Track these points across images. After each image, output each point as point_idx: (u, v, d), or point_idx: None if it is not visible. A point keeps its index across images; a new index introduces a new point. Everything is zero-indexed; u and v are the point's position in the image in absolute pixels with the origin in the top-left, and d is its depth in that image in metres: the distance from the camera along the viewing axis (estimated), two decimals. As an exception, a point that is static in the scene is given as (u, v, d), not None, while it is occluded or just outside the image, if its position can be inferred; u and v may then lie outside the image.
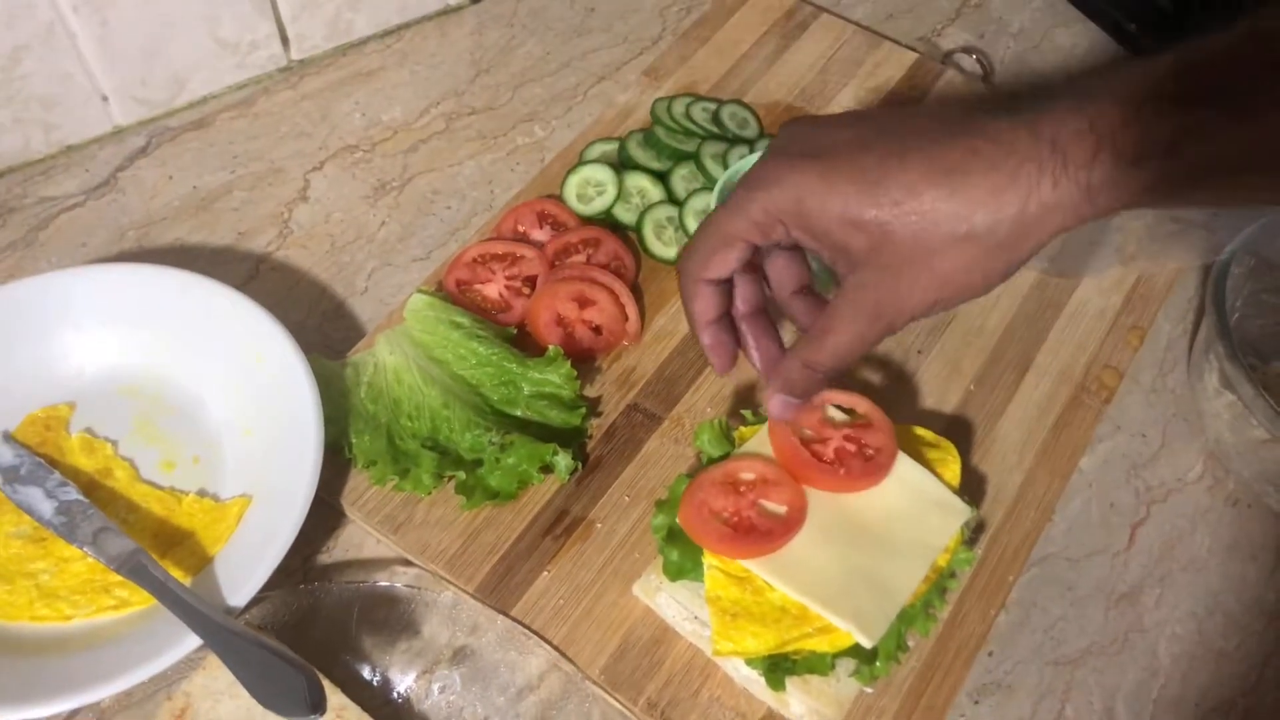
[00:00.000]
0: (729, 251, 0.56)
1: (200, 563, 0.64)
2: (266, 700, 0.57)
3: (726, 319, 0.60)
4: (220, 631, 0.57)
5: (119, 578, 0.61)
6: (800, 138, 0.54)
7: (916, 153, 0.50)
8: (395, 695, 0.62)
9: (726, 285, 0.59)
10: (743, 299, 0.60)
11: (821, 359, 0.55)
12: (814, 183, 0.52)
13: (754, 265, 0.59)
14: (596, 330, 0.74)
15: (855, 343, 0.55)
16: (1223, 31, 0.48)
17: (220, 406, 0.71)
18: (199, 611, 0.58)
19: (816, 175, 0.52)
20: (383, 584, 0.64)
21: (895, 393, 0.74)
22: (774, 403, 0.58)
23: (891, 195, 0.50)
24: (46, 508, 0.64)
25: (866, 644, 0.57)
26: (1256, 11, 0.47)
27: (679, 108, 0.87)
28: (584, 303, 0.74)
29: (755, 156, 0.79)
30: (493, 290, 0.76)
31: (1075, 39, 0.99)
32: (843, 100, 0.90)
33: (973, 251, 0.50)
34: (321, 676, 0.58)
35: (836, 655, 0.59)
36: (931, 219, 0.50)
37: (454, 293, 0.76)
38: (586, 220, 0.80)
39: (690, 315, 0.59)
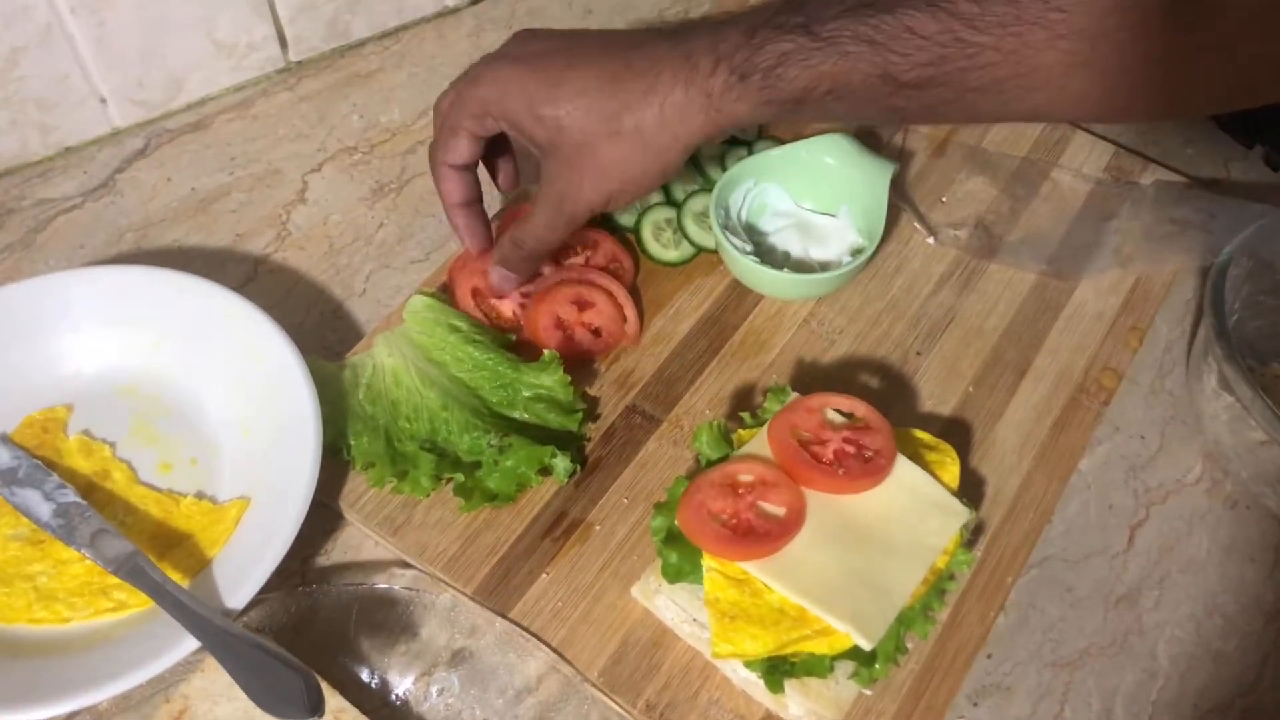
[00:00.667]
0: (458, 139, 0.66)
1: (198, 565, 0.64)
2: (264, 703, 0.57)
3: (477, 205, 0.72)
4: (218, 634, 0.57)
5: (117, 580, 0.61)
6: (519, 43, 0.65)
7: (590, 63, 0.61)
8: (394, 697, 0.62)
9: (472, 174, 0.70)
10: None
11: (524, 237, 0.68)
12: (512, 81, 0.62)
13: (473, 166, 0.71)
14: (596, 332, 0.74)
15: (546, 226, 0.67)
16: None
17: (218, 408, 0.71)
18: (197, 614, 0.58)
19: (515, 76, 0.62)
20: (381, 586, 0.64)
21: (894, 395, 0.74)
22: (493, 274, 0.72)
23: (564, 94, 0.61)
24: (44, 510, 0.64)
25: (865, 646, 0.57)
26: None
27: (677, 109, 0.86)
28: (583, 305, 0.74)
29: (754, 158, 0.80)
30: (507, 308, 0.76)
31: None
32: (841, 102, 0.90)
33: (627, 146, 0.61)
34: (320, 679, 0.58)
35: (835, 658, 0.59)
36: (593, 117, 0.61)
37: (466, 300, 0.76)
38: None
39: (440, 196, 0.70)
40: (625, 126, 0.60)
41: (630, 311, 0.75)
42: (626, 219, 0.81)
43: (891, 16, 0.55)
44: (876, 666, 0.59)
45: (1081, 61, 0.53)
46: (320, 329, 0.78)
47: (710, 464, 0.65)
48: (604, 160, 0.62)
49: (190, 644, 0.58)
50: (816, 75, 0.57)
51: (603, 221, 0.81)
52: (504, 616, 0.64)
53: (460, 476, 0.67)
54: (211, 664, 0.60)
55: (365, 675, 0.62)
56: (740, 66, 0.58)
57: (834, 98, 0.58)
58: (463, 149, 0.67)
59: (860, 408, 0.65)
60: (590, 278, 0.75)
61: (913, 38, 0.54)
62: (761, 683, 0.60)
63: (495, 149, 0.73)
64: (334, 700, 0.59)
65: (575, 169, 0.63)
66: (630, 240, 0.81)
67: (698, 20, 0.63)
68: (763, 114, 0.60)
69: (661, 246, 0.80)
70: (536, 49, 0.64)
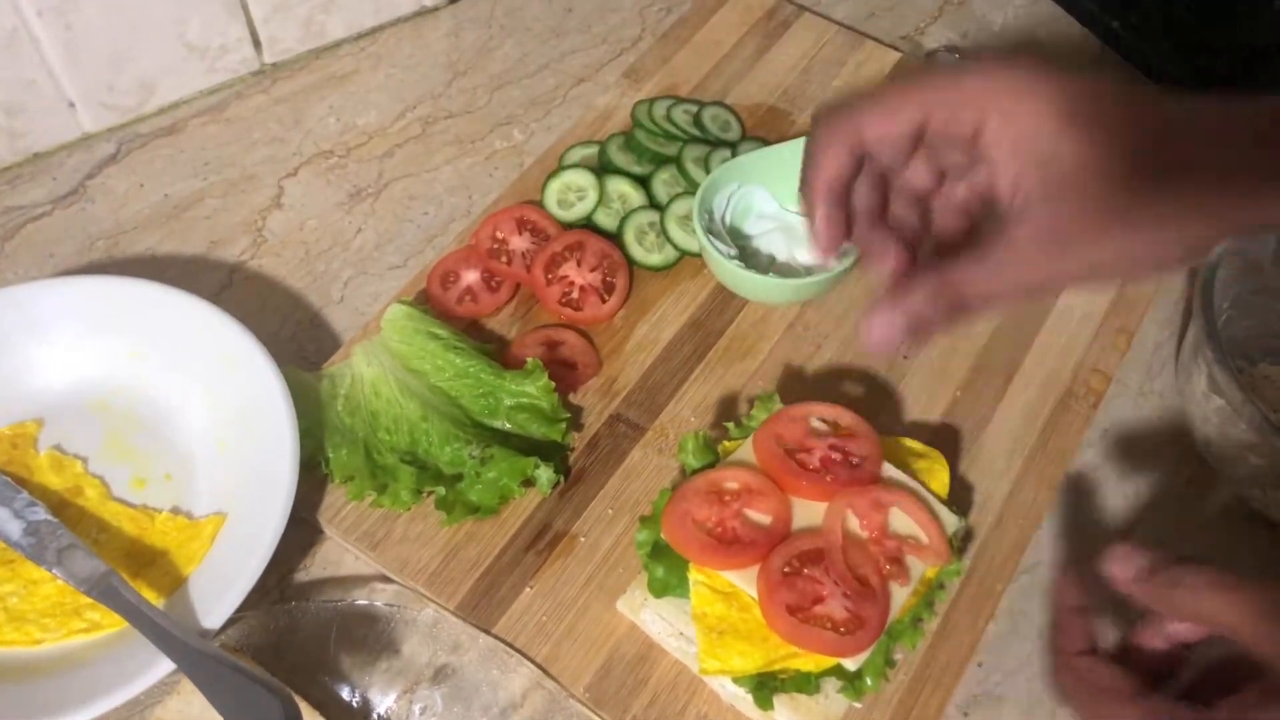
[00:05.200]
0: (900, 115, 0.48)
1: (174, 583, 0.63)
2: (241, 724, 0.55)
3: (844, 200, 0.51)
4: (193, 655, 0.56)
5: (90, 600, 0.60)
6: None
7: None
8: (376, 716, 0.61)
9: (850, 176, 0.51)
10: (867, 199, 0.52)
11: (995, 285, 0.46)
12: (1015, 87, 0.45)
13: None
14: (571, 366, 0.73)
15: (1039, 276, 0.46)
16: None
17: (193, 421, 0.69)
18: (171, 634, 0.56)
19: (1014, 81, 0.46)
20: (362, 602, 0.63)
21: (881, 400, 0.74)
22: (880, 324, 0.47)
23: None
24: (14, 528, 0.62)
25: (850, 666, 0.56)
26: None
27: (660, 110, 0.85)
28: (552, 345, 0.74)
29: (737, 160, 0.78)
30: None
31: (1058, 37, 0.98)
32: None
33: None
34: (299, 699, 0.56)
35: (821, 675, 0.58)
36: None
37: (437, 292, 0.75)
38: (567, 226, 0.79)
39: (814, 173, 0.50)
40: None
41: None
42: (609, 223, 0.79)
43: None
44: (866, 681, 0.58)
45: None
46: (297, 338, 0.76)
47: (695, 474, 0.64)
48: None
49: (165, 666, 0.57)
50: None
51: (585, 225, 0.80)
52: (487, 632, 0.63)
53: (441, 489, 0.66)
54: (188, 686, 0.59)
55: (346, 694, 0.61)
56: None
57: None
58: (895, 126, 0.49)
59: (845, 416, 0.64)
60: (555, 323, 0.76)
61: None
62: (749, 697, 0.59)
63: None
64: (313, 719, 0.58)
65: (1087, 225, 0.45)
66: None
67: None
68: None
69: (645, 250, 0.79)
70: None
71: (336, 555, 0.67)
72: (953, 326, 0.47)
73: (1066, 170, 0.45)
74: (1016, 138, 0.46)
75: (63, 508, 0.65)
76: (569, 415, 0.70)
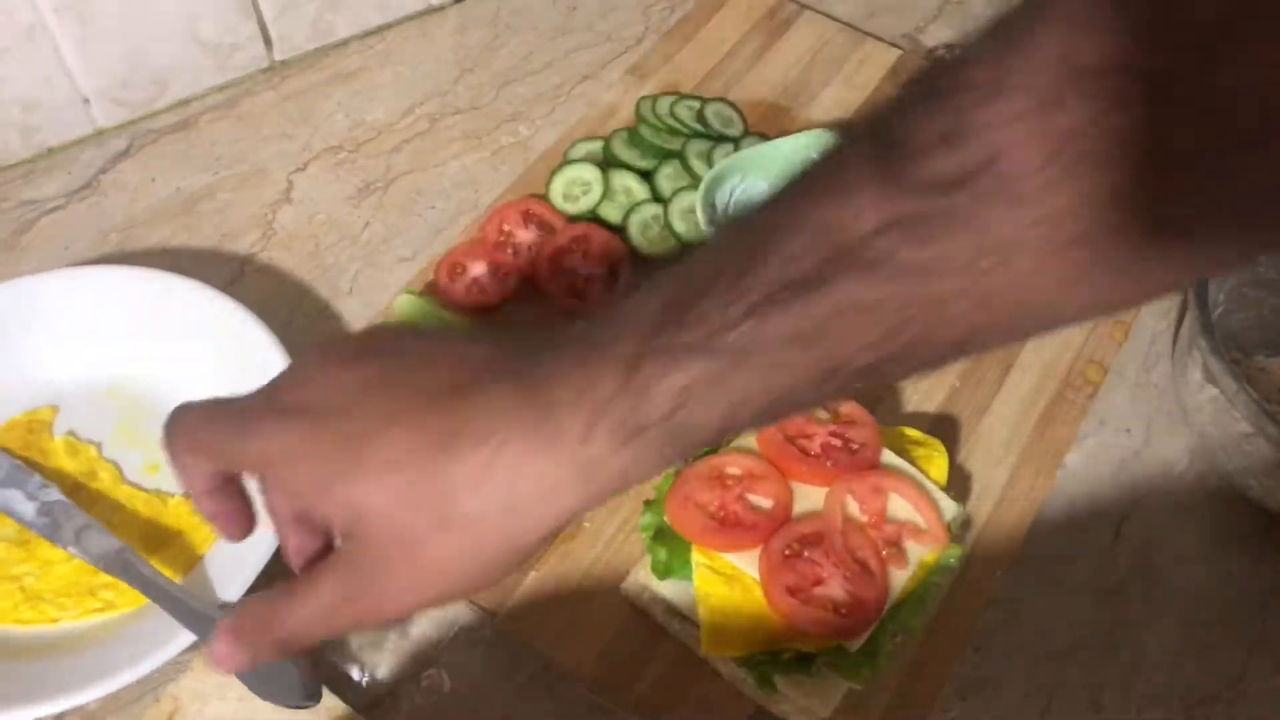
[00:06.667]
0: (200, 461, 0.45)
1: (190, 562, 0.64)
2: (262, 691, 0.57)
3: (231, 485, 0.47)
4: (211, 625, 0.57)
5: (105, 579, 0.61)
6: (305, 379, 0.42)
7: (406, 423, 0.40)
8: (385, 695, 0.62)
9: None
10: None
11: (287, 619, 0.42)
12: (295, 444, 0.40)
13: None
14: None
15: (323, 620, 0.42)
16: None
17: (205, 409, 0.70)
18: (189, 606, 0.58)
19: (299, 436, 0.40)
20: (370, 585, 0.64)
21: (881, 389, 0.74)
22: (217, 643, 0.43)
23: (370, 472, 0.40)
24: (28, 509, 0.64)
25: (849, 647, 0.57)
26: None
27: (663, 106, 0.87)
28: None
29: (740, 154, 0.80)
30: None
31: (1057, 36, 0.99)
32: (826, 99, 0.91)
33: (461, 541, 0.40)
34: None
35: (821, 656, 0.59)
36: (411, 503, 0.40)
37: (445, 283, 0.77)
38: (572, 219, 0.80)
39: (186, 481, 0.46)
40: (457, 516, 0.39)
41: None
42: (614, 216, 0.81)
43: (821, 294, 0.37)
44: (865, 663, 0.59)
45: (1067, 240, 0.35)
46: (307, 329, 0.77)
47: (697, 459, 0.65)
48: (428, 559, 0.41)
49: (179, 643, 0.58)
50: (736, 402, 0.39)
51: (590, 218, 0.81)
52: (493, 615, 0.64)
53: (449, 474, 0.67)
54: (201, 664, 0.60)
55: (355, 673, 0.62)
56: (626, 422, 0.39)
57: (766, 416, 0.40)
58: (204, 471, 0.46)
59: (845, 403, 0.65)
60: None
61: (857, 315, 0.37)
62: (751, 679, 0.60)
63: None
64: (324, 699, 0.59)
65: (384, 567, 0.41)
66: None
67: (559, 333, 0.41)
68: (667, 465, 0.41)
69: (649, 243, 0.80)
70: (330, 391, 0.41)
71: (346, 539, 0.68)
72: (274, 655, 0.43)
73: (341, 528, 0.42)
74: (293, 497, 0.44)
75: (77, 491, 0.67)
76: (574, 403, 0.71)
